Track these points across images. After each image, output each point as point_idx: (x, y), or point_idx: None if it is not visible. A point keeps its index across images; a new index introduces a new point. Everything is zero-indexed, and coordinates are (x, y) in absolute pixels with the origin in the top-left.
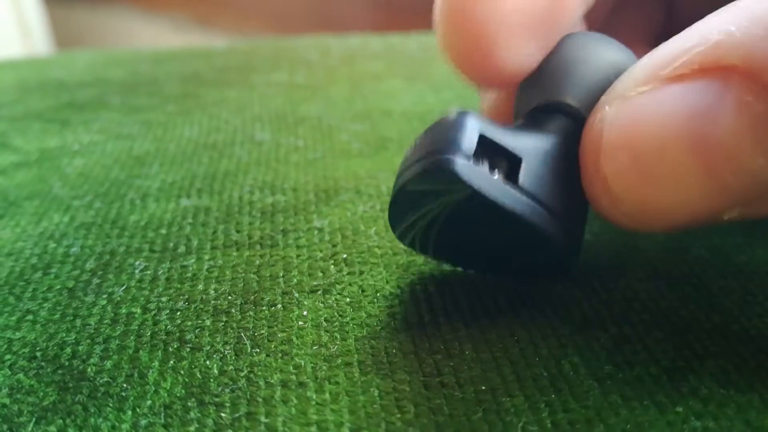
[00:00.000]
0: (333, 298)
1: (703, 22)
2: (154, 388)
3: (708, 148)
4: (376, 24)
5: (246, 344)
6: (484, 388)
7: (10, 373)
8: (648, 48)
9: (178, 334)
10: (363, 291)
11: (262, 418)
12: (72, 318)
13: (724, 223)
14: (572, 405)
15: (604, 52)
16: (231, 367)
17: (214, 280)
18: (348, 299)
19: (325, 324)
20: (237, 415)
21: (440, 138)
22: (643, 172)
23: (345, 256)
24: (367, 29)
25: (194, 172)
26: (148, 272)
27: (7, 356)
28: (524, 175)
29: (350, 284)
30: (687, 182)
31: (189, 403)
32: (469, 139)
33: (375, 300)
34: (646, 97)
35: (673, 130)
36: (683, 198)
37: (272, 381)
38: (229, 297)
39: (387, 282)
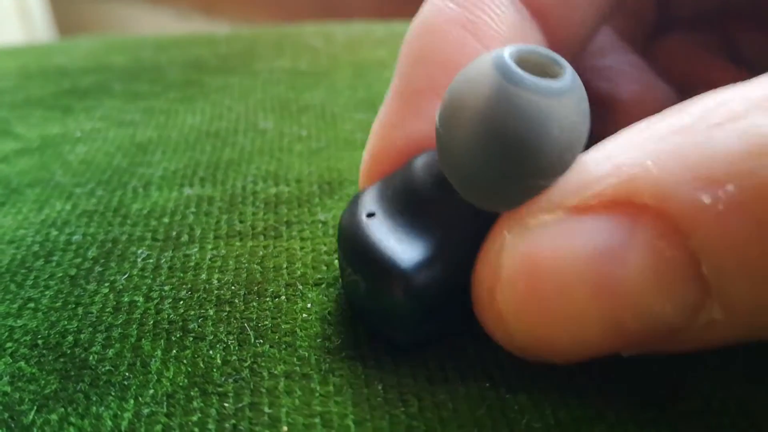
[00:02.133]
0: (337, 292)
1: (619, 147)
2: (156, 377)
3: (610, 290)
4: (379, 11)
5: (249, 335)
6: (488, 384)
7: (11, 361)
8: (635, 51)
9: (180, 324)
10: None
11: (266, 409)
12: (74, 306)
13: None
14: (575, 403)
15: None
16: (234, 358)
17: (217, 270)
18: None
19: (329, 317)
20: (240, 405)
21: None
22: (541, 307)
23: None
24: (370, 16)
25: (197, 161)
26: (151, 261)
27: (9, 344)
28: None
29: None
30: (585, 323)
31: (192, 393)
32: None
33: None
34: (549, 228)
35: (575, 267)
36: (580, 337)
37: (276, 372)
38: (233, 287)
39: None
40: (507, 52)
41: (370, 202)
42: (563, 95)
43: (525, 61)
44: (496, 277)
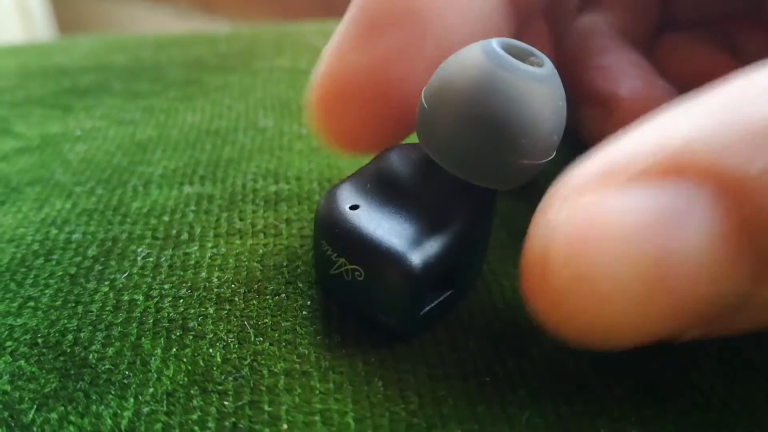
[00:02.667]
0: None
1: (663, 123)
2: (156, 376)
3: (671, 265)
4: None
5: (249, 333)
6: (488, 380)
7: (11, 359)
8: (637, 49)
9: (180, 322)
10: None
11: (266, 407)
12: (74, 305)
13: (683, 341)
14: (576, 398)
15: None
16: (234, 356)
17: (217, 268)
18: None
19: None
20: (240, 403)
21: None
22: (598, 283)
23: None
24: None
25: (197, 159)
26: (151, 259)
27: (8, 343)
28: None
29: None
30: (645, 298)
31: (192, 391)
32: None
33: None
34: (601, 200)
35: (633, 242)
36: (640, 315)
37: (276, 370)
38: (233, 285)
39: None
40: (494, 42)
41: (348, 196)
42: (548, 81)
43: (508, 51)
44: (546, 256)
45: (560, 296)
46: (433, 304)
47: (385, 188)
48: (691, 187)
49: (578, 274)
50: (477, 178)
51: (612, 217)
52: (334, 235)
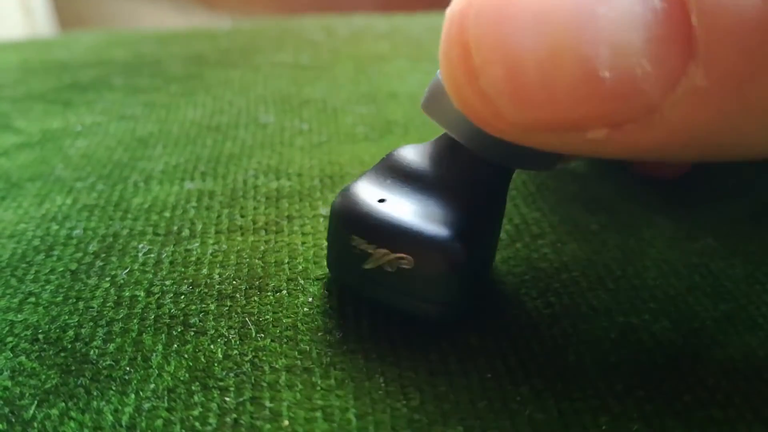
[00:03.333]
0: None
1: None
2: (157, 372)
3: (593, 29)
4: (381, 5)
5: (251, 329)
6: (490, 376)
7: (11, 355)
8: None
9: (182, 318)
10: None
11: (267, 403)
12: (75, 300)
13: (589, 147)
14: (578, 394)
15: None
16: (235, 352)
17: (218, 265)
18: None
19: (330, 311)
20: (241, 399)
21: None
22: (510, 34)
23: None
24: (372, 10)
25: (198, 155)
26: (152, 255)
27: (9, 339)
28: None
29: None
30: (555, 64)
31: (193, 387)
32: None
33: None
34: None
35: (563, 2)
36: (546, 84)
37: (277, 366)
38: (234, 282)
39: None
40: None
41: (370, 192)
42: None
43: None
44: (469, 3)
45: (477, 45)
46: (474, 287)
47: (407, 182)
48: None
49: (501, 19)
50: (515, 161)
51: None
52: (371, 227)
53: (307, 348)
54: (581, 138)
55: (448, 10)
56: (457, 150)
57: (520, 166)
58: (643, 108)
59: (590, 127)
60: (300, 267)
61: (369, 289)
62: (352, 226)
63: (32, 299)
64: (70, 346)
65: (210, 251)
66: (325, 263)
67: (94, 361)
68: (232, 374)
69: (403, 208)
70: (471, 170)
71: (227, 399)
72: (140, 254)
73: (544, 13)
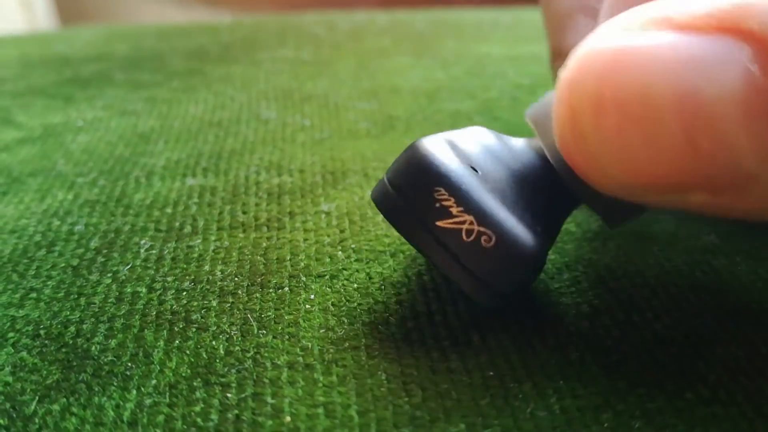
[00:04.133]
0: (340, 284)
1: None
2: (159, 368)
3: (694, 104)
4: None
5: (253, 326)
6: (492, 373)
7: (13, 351)
8: None
9: (183, 314)
10: (370, 278)
11: (269, 399)
12: (76, 296)
13: (688, 207)
14: (580, 391)
15: None
16: (237, 348)
17: (220, 261)
18: (355, 285)
19: (332, 308)
20: (243, 395)
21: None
22: (617, 104)
23: (353, 244)
24: (373, 5)
25: (200, 151)
26: (154, 252)
27: (11, 334)
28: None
29: (358, 271)
30: (658, 133)
31: (195, 383)
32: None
33: (383, 287)
34: (650, 35)
35: (667, 74)
36: (657, 149)
37: (279, 362)
38: (236, 278)
39: (395, 271)
40: None
41: (460, 153)
42: None
43: None
44: (579, 72)
45: (584, 111)
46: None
47: (495, 164)
48: (734, 43)
49: (607, 91)
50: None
51: (653, 48)
52: (465, 191)
53: (309, 345)
54: (681, 200)
55: (560, 78)
56: (548, 167)
57: (603, 215)
58: (741, 176)
59: (690, 190)
60: (302, 264)
61: (428, 244)
62: (443, 180)
63: (33, 295)
64: (71, 342)
65: (212, 248)
66: (327, 260)
67: (96, 357)
68: (233, 370)
69: (497, 189)
70: (555, 190)
71: (229, 395)
72: (142, 250)
73: (648, 85)
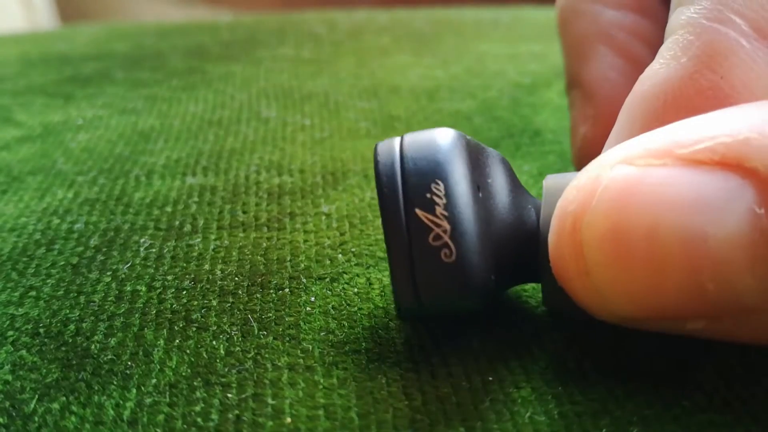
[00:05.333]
0: (341, 287)
1: (739, 109)
2: (159, 367)
3: (700, 247)
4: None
5: (253, 326)
6: (491, 378)
7: (12, 349)
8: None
9: (183, 314)
10: (370, 283)
11: (269, 400)
12: (76, 295)
13: (685, 332)
14: (578, 398)
15: None
16: (238, 349)
17: (220, 261)
18: (356, 289)
19: (332, 311)
20: (243, 396)
21: None
22: (627, 248)
23: (353, 248)
24: (373, 4)
25: (200, 150)
26: (153, 250)
27: (10, 332)
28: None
29: (358, 275)
30: (667, 275)
31: (195, 383)
32: None
33: (383, 293)
34: (655, 171)
35: (672, 215)
36: (660, 290)
37: (279, 364)
38: (236, 278)
39: None
40: None
41: (470, 162)
42: None
43: None
44: (588, 202)
45: (586, 244)
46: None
47: (491, 196)
48: (740, 181)
49: (611, 227)
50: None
51: (658, 186)
52: (458, 202)
53: (310, 347)
54: (680, 327)
55: (561, 208)
56: (534, 237)
57: (548, 304)
58: (742, 310)
59: (691, 319)
60: (302, 265)
61: (395, 222)
62: (449, 179)
63: (33, 293)
64: (71, 341)
65: (212, 247)
66: (328, 262)
67: (96, 356)
68: (234, 371)
69: (484, 219)
70: (527, 257)
71: (229, 395)
72: (142, 249)
73: (656, 227)
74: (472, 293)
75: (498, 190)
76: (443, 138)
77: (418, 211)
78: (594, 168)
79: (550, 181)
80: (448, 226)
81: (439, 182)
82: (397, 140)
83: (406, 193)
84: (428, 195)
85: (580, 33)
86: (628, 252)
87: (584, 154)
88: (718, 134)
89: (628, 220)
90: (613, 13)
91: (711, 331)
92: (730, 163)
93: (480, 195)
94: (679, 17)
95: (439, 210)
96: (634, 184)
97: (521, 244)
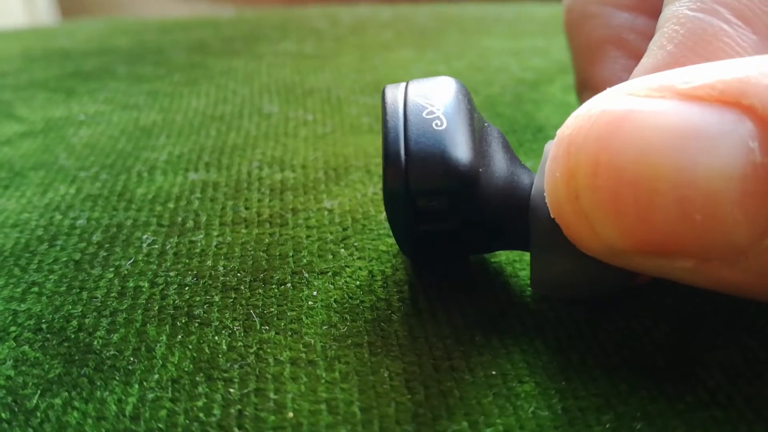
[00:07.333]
0: (343, 281)
1: (741, 57)
2: (161, 362)
3: (691, 177)
4: None
5: (255, 321)
6: (494, 373)
7: (15, 345)
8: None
9: (186, 309)
10: (373, 276)
11: (271, 395)
12: (78, 290)
13: (674, 274)
14: (582, 393)
15: None
16: (240, 344)
17: (222, 257)
18: (358, 282)
19: (335, 305)
20: (246, 390)
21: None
22: (614, 169)
23: (356, 242)
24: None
25: (202, 145)
26: (156, 246)
27: (12, 328)
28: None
29: (360, 269)
30: (659, 202)
31: (197, 378)
32: None
33: (385, 285)
34: (651, 102)
35: (666, 144)
36: (642, 217)
37: (282, 358)
38: (238, 274)
39: (397, 269)
40: None
41: (480, 146)
42: None
43: None
44: (579, 132)
45: (583, 162)
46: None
47: (495, 162)
48: (734, 117)
49: (606, 153)
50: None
51: (653, 114)
52: (450, 103)
53: (312, 341)
54: (669, 265)
55: (558, 133)
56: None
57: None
58: (731, 249)
59: (680, 256)
60: (304, 260)
61: (394, 109)
62: (446, 105)
63: (35, 289)
64: (73, 336)
65: (214, 243)
66: (330, 257)
67: (98, 351)
68: (236, 366)
69: (480, 149)
70: (515, 219)
71: (231, 390)
72: (144, 245)
73: (646, 153)
74: (459, 168)
75: (492, 138)
76: (452, 82)
77: (414, 98)
78: (593, 99)
79: (549, 146)
80: (442, 114)
81: (438, 105)
82: (403, 84)
83: (406, 104)
84: (427, 111)
85: (591, 35)
86: (616, 176)
87: None
88: (719, 70)
89: (619, 145)
90: (623, 15)
91: (700, 274)
92: (728, 99)
93: (481, 172)
94: (666, 13)
95: (434, 108)
96: (630, 112)
97: (513, 203)
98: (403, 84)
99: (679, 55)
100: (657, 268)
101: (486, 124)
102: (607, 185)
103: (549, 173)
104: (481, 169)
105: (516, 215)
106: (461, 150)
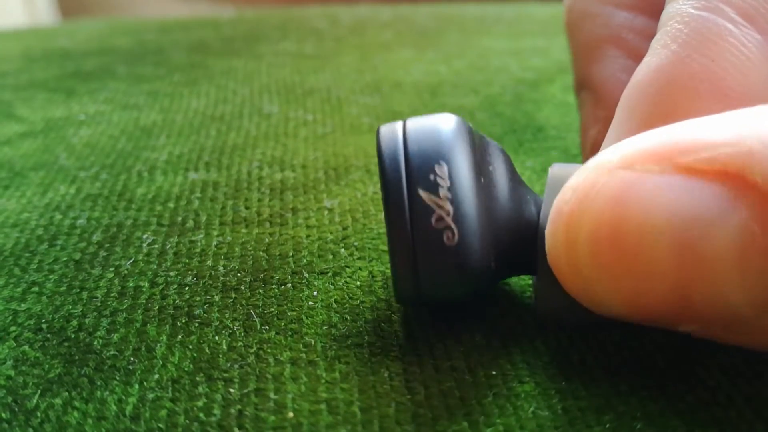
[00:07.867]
0: (343, 281)
1: (744, 114)
2: (161, 362)
3: (692, 260)
4: None
5: (255, 321)
6: (494, 373)
7: (15, 344)
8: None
9: (186, 309)
10: (373, 276)
11: (272, 395)
12: (78, 290)
13: (679, 332)
14: (582, 393)
15: None
16: (240, 344)
17: (223, 257)
18: (358, 283)
19: (335, 305)
20: (246, 390)
21: None
22: (620, 252)
23: (356, 242)
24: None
25: (202, 145)
26: (156, 246)
27: (13, 328)
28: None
29: (360, 269)
30: (656, 282)
31: (197, 378)
32: None
33: (385, 286)
34: (653, 178)
35: (667, 223)
36: (647, 295)
37: (282, 358)
38: (239, 274)
39: None
40: None
41: (474, 146)
42: None
43: None
44: (578, 208)
45: (582, 239)
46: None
47: (492, 184)
48: (736, 195)
49: (605, 238)
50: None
51: (654, 193)
52: (462, 185)
53: (312, 341)
54: (672, 327)
55: (557, 206)
56: (533, 232)
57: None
58: (732, 318)
59: (681, 324)
60: (305, 260)
61: (398, 203)
62: (453, 161)
63: (36, 289)
64: (73, 336)
65: (214, 243)
66: (330, 257)
67: (98, 351)
68: (236, 366)
69: (487, 206)
70: (522, 250)
71: (231, 390)
72: (144, 245)
73: (647, 234)
74: (472, 278)
75: (499, 178)
76: (447, 122)
77: (421, 192)
78: (591, 168)
79: (556, 169)
80: (451, 209)
81: (443, 164)
82: (399, 124)
83: (409, 174)
84: (431, 177)
85: (590, 34)
86: (617, 253)
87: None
88: (721, 141)
89: (620, 224)
90: (623, 14)
91: (704, 334)
92: (731, 174)
93: (482, 180)
94: (669, 10)
95: (443, 192)
96: (630, 189)
97: (520, 235)
98: (401, 143)
99: (684, 55)
100: (661, 327)
101: (488, 154)
102: (608, 262)
103: (550, 246)
104: (492, 264)
105: (524, 244)
106: (474, 260)
